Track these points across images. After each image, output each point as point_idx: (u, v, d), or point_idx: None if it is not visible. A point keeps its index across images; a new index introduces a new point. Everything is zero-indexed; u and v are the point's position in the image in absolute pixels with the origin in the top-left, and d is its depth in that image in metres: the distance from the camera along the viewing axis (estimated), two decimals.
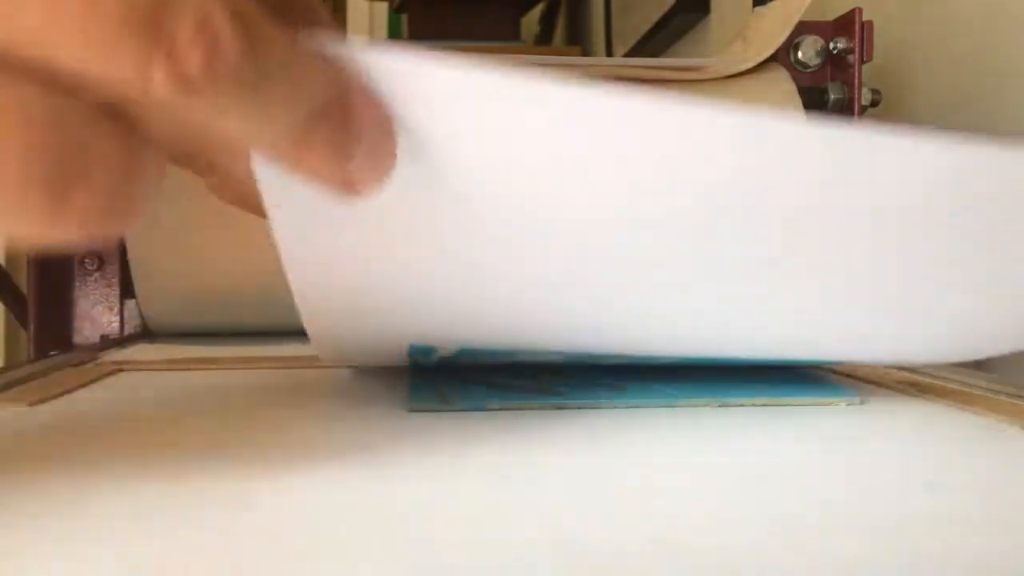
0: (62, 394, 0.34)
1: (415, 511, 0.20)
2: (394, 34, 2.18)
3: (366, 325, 0.32)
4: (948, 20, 0.63)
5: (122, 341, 0.54)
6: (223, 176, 0.34)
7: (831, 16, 0.61)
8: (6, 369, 0.38)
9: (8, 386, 0.34)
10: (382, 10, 2.17)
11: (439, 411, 0.31)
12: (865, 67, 0.58)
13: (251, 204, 0.36)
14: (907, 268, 0.28)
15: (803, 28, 0.59)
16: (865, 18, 0.57)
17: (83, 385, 0.36)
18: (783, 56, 0.60)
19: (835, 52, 0.59)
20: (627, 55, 1.27)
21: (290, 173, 0.20)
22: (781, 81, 0.58)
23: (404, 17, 1.65)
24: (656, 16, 1.14)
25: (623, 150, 0.23)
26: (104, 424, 0.29)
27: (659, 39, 1.16)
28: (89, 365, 0.41)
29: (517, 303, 0.30)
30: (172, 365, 0.41)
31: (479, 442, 0.27)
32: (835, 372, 0.40)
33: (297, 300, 0.30)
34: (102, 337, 0.58)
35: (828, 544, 0.18)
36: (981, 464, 0.25)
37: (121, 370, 0.40)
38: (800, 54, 0.60)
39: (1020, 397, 0.32)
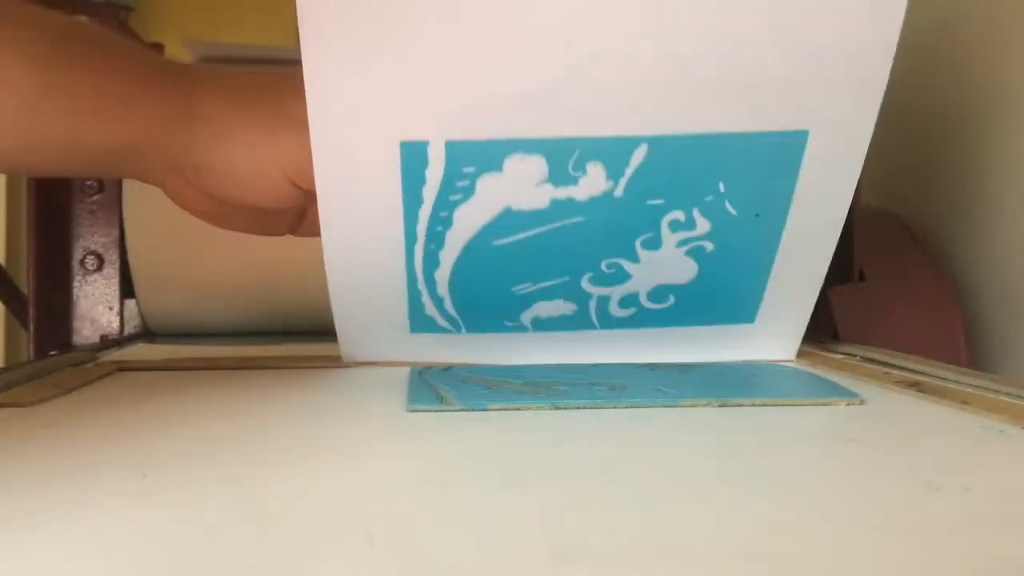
0: (62, 394, 0.34)
1: (414, 511, 0.20)
2: None
3: (361, 120, 0.33)
4: (948, 21, 0.63)
5: (122, 341, 0.54)
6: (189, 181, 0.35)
7: None
8: (6, 369, 0.38)
9: (8, 386, 0.34)
10: None
11: (438, 411, 0.31)
12: None
13: (212, 211, 0.37)
14: None
15: None
16: None
17: (83, 385, 0.36)
18: None
19: None
20: None
21: None
22: None
23: None
24: None
25: None
26: (104, 424, 0.29)
27: None
28: (89, 365, 0.41)
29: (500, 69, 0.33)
30: (172, 365, 0.41)
31: (478, 442, 0.27)
32: (834, 371, 0.40)
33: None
34: (102, 337, 0.58)
35: (828, 544, 0.18)
36: (981, 464, 0.25)
37: (121, 370, 0.40)
38: None
39: (1020, 397, 0.32)
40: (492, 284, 0.38)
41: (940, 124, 0.64)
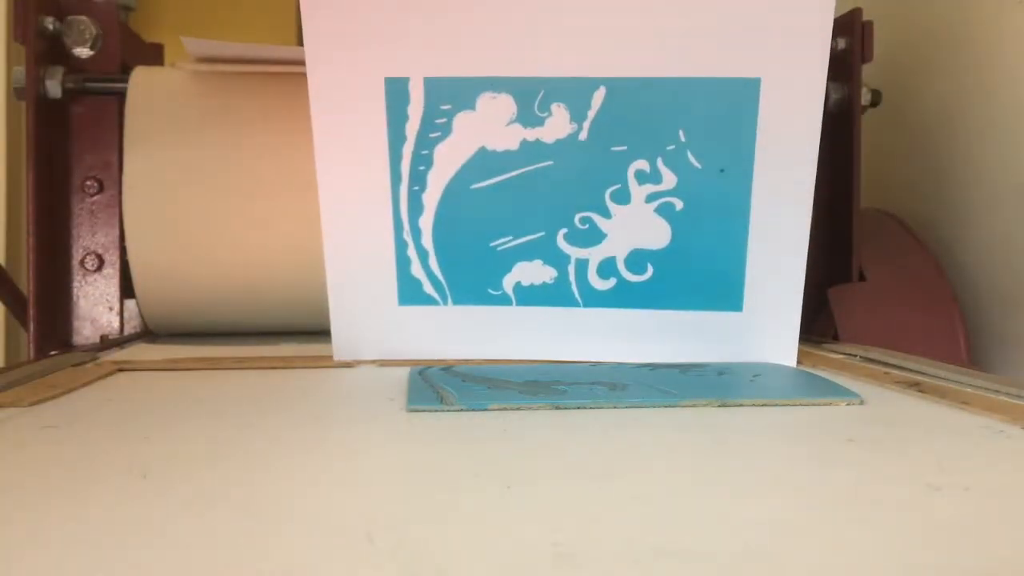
0: (62, 394, 0.34)
1: (415, 511, 0.20)
2: None
3: (351, 56, 0.38)
4: (947, 21, 0.63)
5: (122, 341, 0.54)
6: None
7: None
8: (6, 369, 0.38)
9: (8, 386, 0.34)
10: None
11: (438, 411, 0.31)
12: (865, 67, 0.58)
13: None
14: None
15: None
16: (865, 18, 0.57)
17: (83, 385, 0.36)
18: None
19: (835, 52, 0.59)
20: None
21: None
22: None
23: None
24: None
25: None
26: (104, 424, 0.29)
27: None
28: (89, 365, 0.41)
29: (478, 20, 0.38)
30: (172, 365, 0.41)
31: (479, 442, 0.27)
32: (833, 370, 0.40)
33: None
34: (102, 337, 0.58)
35: (828, 544, 0.18)
36: (981, 464, 0.25)
37: (121, 370, 0.40)
38: None
39: (1020, 397, 0.32)
40: (473, 235, 0.41)
41: (939, 125, 0.64)
